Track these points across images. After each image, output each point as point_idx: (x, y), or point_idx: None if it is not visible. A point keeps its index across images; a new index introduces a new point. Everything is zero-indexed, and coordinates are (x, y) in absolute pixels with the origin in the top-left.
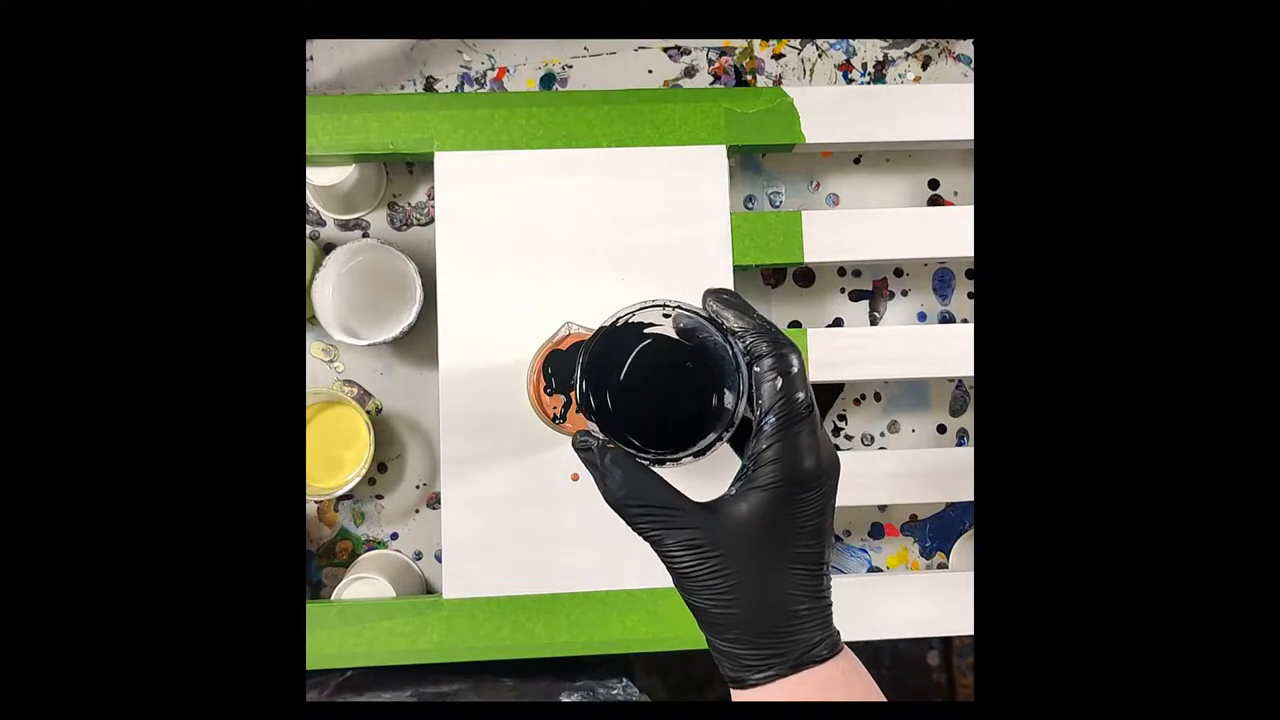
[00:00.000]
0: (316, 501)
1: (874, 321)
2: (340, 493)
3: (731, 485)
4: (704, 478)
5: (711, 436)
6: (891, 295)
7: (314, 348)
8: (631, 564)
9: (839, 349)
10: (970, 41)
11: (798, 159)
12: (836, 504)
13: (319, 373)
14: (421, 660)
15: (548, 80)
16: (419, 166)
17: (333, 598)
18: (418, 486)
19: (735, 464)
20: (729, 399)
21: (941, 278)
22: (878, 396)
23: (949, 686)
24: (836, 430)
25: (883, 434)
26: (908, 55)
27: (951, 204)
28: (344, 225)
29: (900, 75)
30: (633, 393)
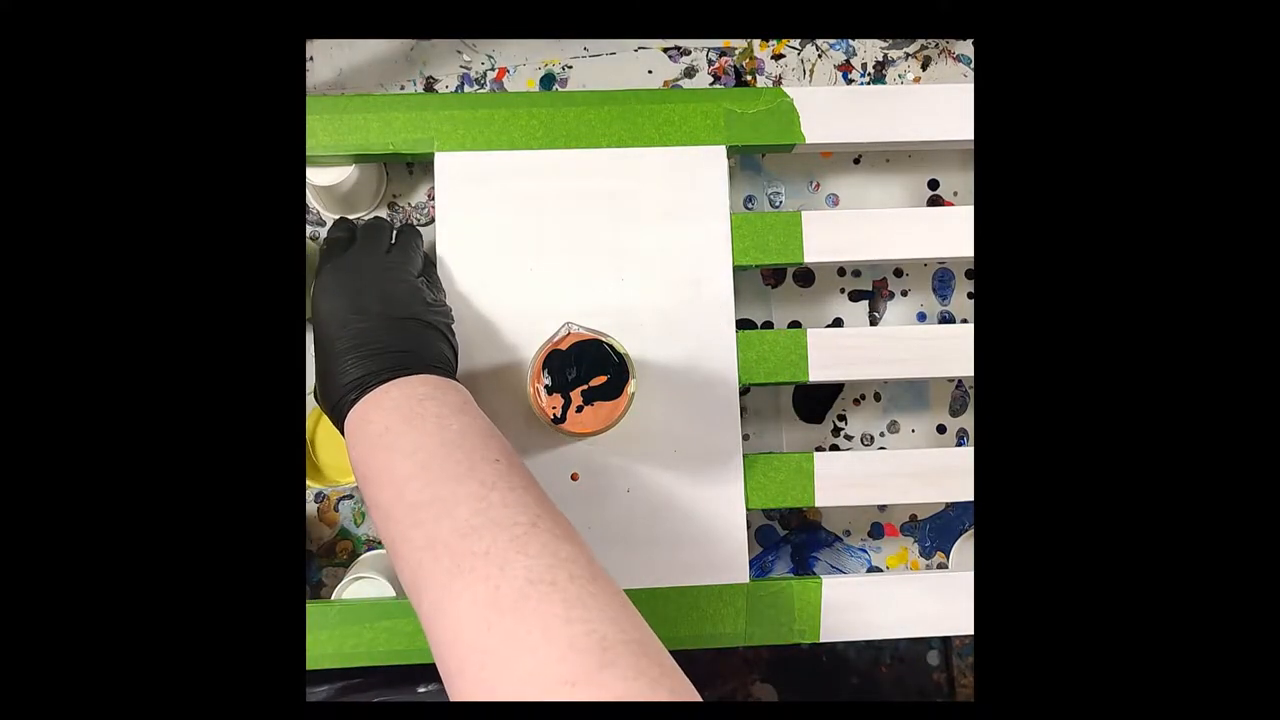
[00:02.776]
0: (328, 495)
1: (874, 321)
2: (343, 492)
3: None
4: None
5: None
6: (891, 295)
7: None
8: (632, 564)
9: (839, 349)
10: (970, 42)
11: (798, 159)
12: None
13: None
14: (421, 660)
15: (548, 80)
16: (419, 166)
17: (333, 598)
18: None
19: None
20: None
21: (941, 278)
22: (877, 396)
23: (949, 686)
24: (836, 430)
25: (883, 434)
26: (908, 55)
27: (951, 204)
28: None
29: (900, 75)
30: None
